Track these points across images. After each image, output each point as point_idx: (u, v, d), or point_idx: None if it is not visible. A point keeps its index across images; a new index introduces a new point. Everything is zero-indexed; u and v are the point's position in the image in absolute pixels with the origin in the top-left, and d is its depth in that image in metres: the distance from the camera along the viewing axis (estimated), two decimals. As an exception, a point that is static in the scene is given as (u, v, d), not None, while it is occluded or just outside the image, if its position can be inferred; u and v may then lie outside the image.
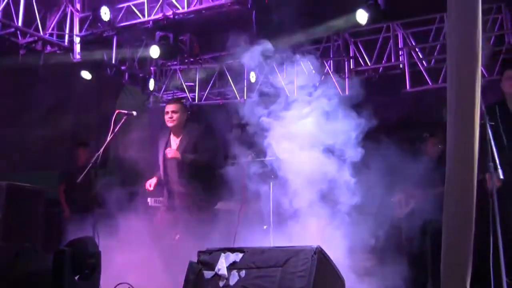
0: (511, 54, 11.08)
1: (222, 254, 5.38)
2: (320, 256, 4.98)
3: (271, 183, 6.85)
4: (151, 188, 8.44)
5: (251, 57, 7.67)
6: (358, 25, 10.49)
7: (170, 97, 14.10)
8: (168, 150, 8.37)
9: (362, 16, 10.19)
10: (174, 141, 8.61)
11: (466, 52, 4.67)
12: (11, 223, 8.57)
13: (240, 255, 5.29)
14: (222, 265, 5.30)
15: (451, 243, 4.67)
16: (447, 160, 4.75)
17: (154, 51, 11.17)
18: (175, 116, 8.46)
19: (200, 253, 5.55)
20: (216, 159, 8.48)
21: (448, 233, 4.68)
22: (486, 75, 11.12)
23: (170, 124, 8.53)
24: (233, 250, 5.38)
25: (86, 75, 11.44)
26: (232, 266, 5.27)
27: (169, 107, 8.53)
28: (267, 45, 7.79)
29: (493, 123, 6.02)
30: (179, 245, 8.03)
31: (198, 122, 9.38)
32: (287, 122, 6.92)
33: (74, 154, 11.25)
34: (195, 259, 5.57)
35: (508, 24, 11.20)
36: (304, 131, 6.83)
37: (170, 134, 8.65)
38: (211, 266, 5.38)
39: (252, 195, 7.24)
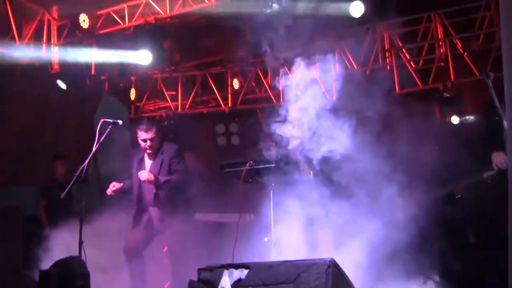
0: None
1: (225, 271, 4.98)
2: (335, 269, 4.60)
3: (271, 191, 6.48)
4: (112, 191, 8.11)
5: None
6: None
7: (151, 107, 13.74)
8: (141, 173, 8.03)
9: (356, 9, 9.85)
10: (148, 163, 8.37)
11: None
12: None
13: (245, 271, 4.89)
14: (226, 283, 4.90)
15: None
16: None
17: (145, 58, 10.74)
18: (153, 143, 8.17)
19: (200, 270, 5.14)
20: (186, 179, 8.42)
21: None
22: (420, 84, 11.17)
23: (148, 151, 8.28)
24: (237, 266, 4.98)
25: (61, 84, 10.96)
26: (237, 284, 4.88)
27: (146, 135, 8.25)
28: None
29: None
30: (172, 264, 7.76)
31: (174, 141, 9.03)
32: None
33: (52, 167, 10.83)
34: (194, 278, 5.17)
35: (440, 33, 11.24)
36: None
37: (144, 154, 8.32)
38: (214, 284, 4.98)
39: (252, 204, 6.95)
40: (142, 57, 10.79)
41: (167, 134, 11.36)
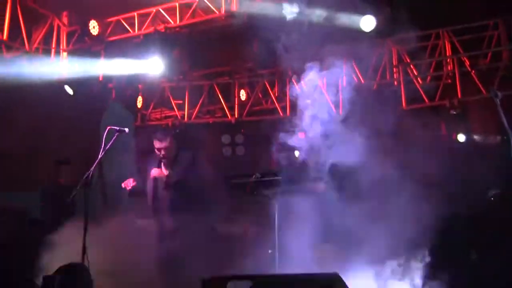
0: (509, 71, 10.91)
1: (229, 282, 4.95)
2: (339, 284, 4.58)
3: (276, 203, 6.47)
4: (131, 187, 8.00)
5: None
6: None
7: (157, 115, 13.75)
8: (153, 169, 7.99)
9: (368, 23, 9.77)
10: (164, 174, 8.23)
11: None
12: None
13: (249, 283, 4.87)
14: (229, 295, 4.88)
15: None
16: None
17: (156, 66, 10.71)
18: (167, 152, 8.10)
19: (204, 281, 5.12)
20: (199, 185, 8.11)
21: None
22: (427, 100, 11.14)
23: (164, 160, 8.16)
24: (240, 277, 4.96)
25: (68, 90, 11.00)
26: (240, 296, 4.85)
27: (161, 145, 8.10)
28: None
29: None
30: (179, 273, 7.70)
31: (188, 148, 8.93)
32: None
33: (56, 172, 10.82)
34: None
35: (448, 50, 11.30)
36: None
37: (160, 163, 8.26)
38: (217, 296, 4.96)
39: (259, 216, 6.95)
40: (153, 65, 10.76)
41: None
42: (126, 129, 7.55)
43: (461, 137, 11.24)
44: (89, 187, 7.38)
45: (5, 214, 9.07)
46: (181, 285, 6.94)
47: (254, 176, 6.50)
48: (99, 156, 7.30)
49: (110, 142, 7.30)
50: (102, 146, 7.26)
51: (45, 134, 11.47)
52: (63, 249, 8.19)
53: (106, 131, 7.32)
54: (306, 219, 6.53)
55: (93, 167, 7.20)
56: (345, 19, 9.71)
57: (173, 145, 8.18)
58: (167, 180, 8.02)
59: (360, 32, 10.08)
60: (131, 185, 8.01)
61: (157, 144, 8.12)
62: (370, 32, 10.23)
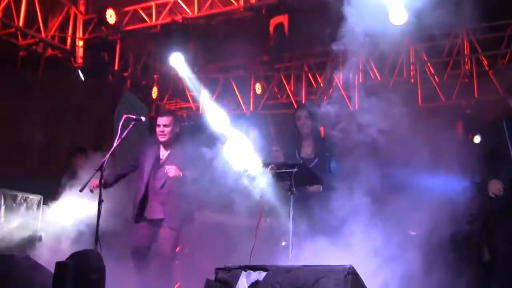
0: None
1: (243, 272, 4.88)
2: (354, 277, 4.51)
3: (291, 196, 6.38)
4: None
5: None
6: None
7: (172, 107, 13.72)
8: (169, 170, 7.80)
9: (399, 16, 9.16)
10: (162, 154, 8.13)
11: None
12: (7, 231, 8.18)
13: (264, 273, 4.79)
14: (243, 285, 4.81)
15: None
16: None
17: (177, 58, 10.62)
18: (166, 130, 7.95)
19: (218, 270, 5.06)
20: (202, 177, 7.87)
21: None
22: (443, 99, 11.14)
23: (161, 139, 8.00)
24: (255, 268, 4.88)
25: (81, 75, 11.03)
26: (254, 286, 4.78)
27: (161, 121, 7.94)
28: None
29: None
30: (188, 260, 7.63)
31: (190, 137, 8.76)
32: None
33: (72, 160, 10.79)
34: (210, 276, 5.12)
35: (466, 49, 11.20)
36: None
37: (160, 146, 8.14)
38: (231, 285, 4.90)
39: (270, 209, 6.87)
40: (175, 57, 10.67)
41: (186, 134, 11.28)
42: (143, 118, 7.48)
43: (477, 139, 11.07)
44: (102, 177, 7.31)
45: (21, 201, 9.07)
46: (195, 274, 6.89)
47: (270, 167, 6.41)
48: (114, 145, 7.21)
49: (126, 131, 7.21)
50: (118, 135, 7.18)
51: (59, 121, 11.48)
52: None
53: (123, 119, 7.23)
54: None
55: (107, 156, 7.12)
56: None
57: (174, 124, 8.03)
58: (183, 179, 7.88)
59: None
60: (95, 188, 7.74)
61: (159, 121, 7.97)
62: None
